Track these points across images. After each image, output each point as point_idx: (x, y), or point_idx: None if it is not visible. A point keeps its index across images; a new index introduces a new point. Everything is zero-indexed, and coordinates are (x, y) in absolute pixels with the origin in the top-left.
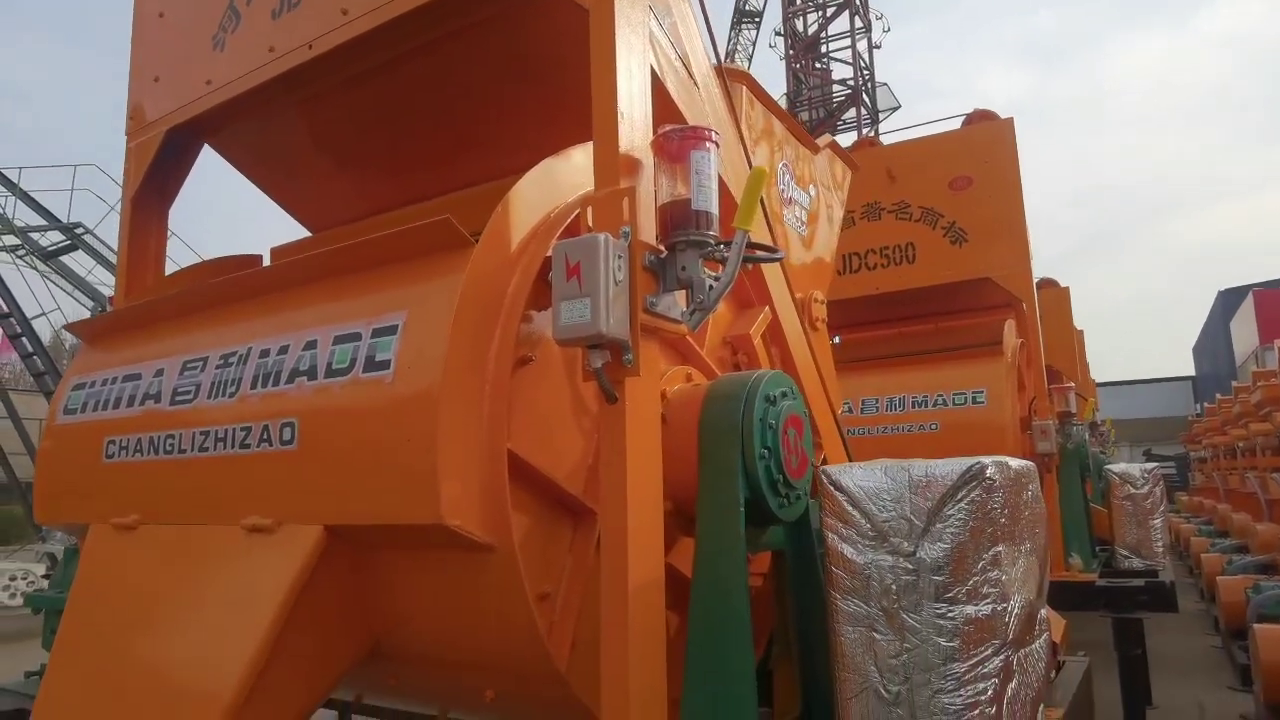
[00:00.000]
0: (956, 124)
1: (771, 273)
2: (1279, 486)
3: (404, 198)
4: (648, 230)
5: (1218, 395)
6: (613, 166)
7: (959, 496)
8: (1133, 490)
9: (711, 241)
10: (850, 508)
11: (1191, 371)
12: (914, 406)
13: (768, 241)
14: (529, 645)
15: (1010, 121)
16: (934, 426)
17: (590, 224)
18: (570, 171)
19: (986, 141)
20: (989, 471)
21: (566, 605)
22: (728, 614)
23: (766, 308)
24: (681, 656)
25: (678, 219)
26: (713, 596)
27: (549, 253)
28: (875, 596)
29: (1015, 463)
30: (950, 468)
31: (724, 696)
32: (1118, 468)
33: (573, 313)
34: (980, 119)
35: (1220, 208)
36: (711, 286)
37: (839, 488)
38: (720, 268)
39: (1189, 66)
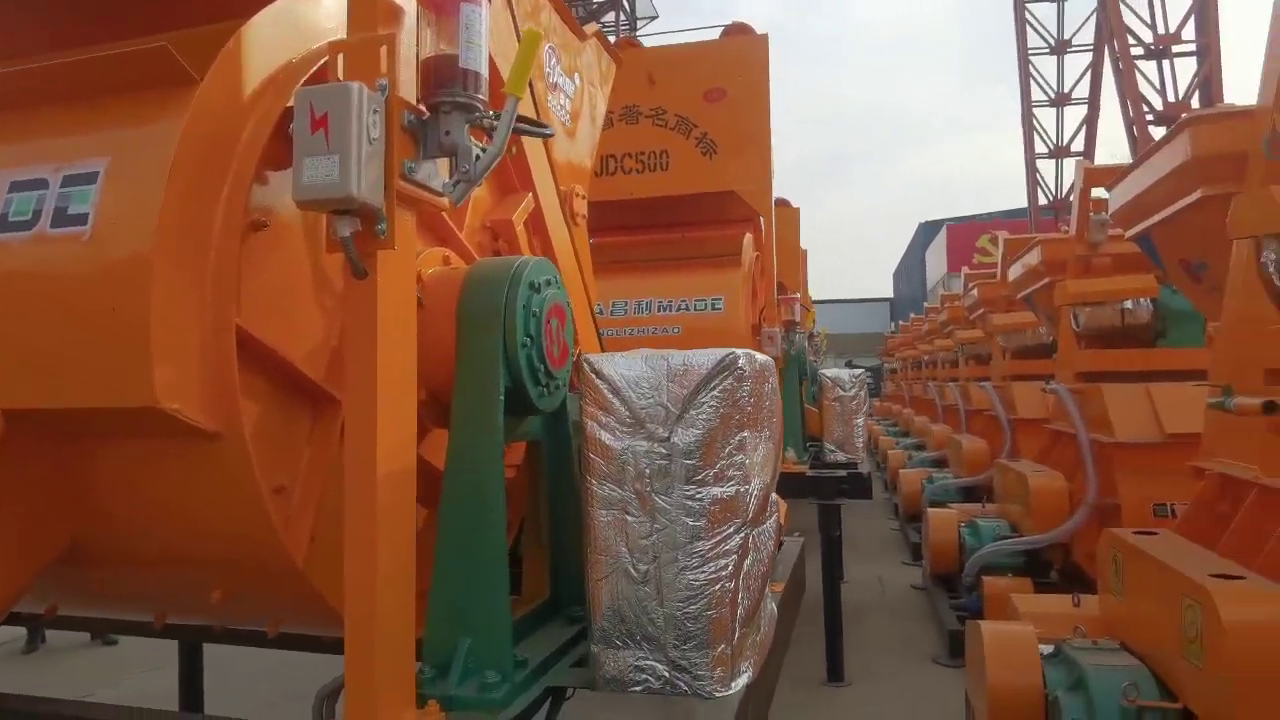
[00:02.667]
0: (715, 35)
1: (536, 158)
2: (953, 394)
3: (102, 35)
4: (408, 87)
5: (911, 315)
6: (370, 10)
7: (712, 385)
8: (841, 393)
9: (480, 106)
10: (611, 396)
11: (891, 294)
12: (660, 310)
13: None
14: (263, 541)
15: (765, 38)
16: (677, 330)
17: (340, 74)
18: (319, 15)
19: (741, 55)
20: (740, 362)
21: (305, 499)
22: (482, 504)
23: (530, 194)
24: (428, 551)
25: (442, 77)
26: (467, 486)
27: (290, 103)
28: (630, 480)
29: (760, 356)
30: (706, 357)
31: (476, 586)
32: (830, 373)
33: (318, 171)
34: (737, 32)
35: (931, 147)
36: (478, 157)
37: (601, 376)
38: (487, 139)
39: (924, 11)
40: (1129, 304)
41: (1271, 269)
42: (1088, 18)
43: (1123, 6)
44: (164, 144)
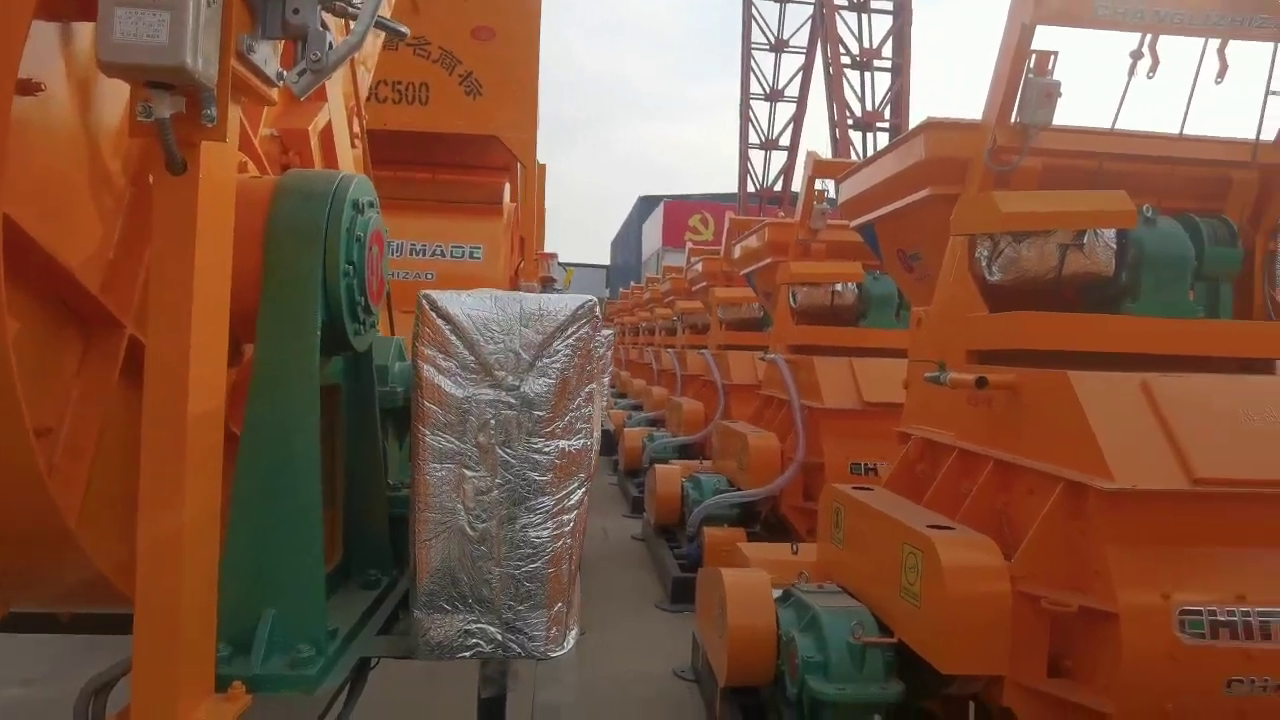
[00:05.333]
0: None
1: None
2: (670, 360)
3: None
4: None
5: (632, 283)
6: None
7: (569, 332)
8: None
9: None
10: (454, 338)
11: (608, 261)
12: (412, 254)
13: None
14: (26, 498)
15: None
16: (431, 276)
17: None
18: None
19: None
20: (598, 310)
21: (75, 445)
22: (292, 454)
23: (326, 105)
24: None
25: None
26: (274, 433)
27: None
28: (471, 432)
29: (601, 306)
30: (563, 303)
31: (284, 549)
32: None
33: (138, 28)
34: None
35: (655, 124)
36: (333, 45)
37: (444, 316)
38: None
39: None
40: (839, 287)
41: (982, 264)
42: (805, 22)
43: (838, 17)
44: None
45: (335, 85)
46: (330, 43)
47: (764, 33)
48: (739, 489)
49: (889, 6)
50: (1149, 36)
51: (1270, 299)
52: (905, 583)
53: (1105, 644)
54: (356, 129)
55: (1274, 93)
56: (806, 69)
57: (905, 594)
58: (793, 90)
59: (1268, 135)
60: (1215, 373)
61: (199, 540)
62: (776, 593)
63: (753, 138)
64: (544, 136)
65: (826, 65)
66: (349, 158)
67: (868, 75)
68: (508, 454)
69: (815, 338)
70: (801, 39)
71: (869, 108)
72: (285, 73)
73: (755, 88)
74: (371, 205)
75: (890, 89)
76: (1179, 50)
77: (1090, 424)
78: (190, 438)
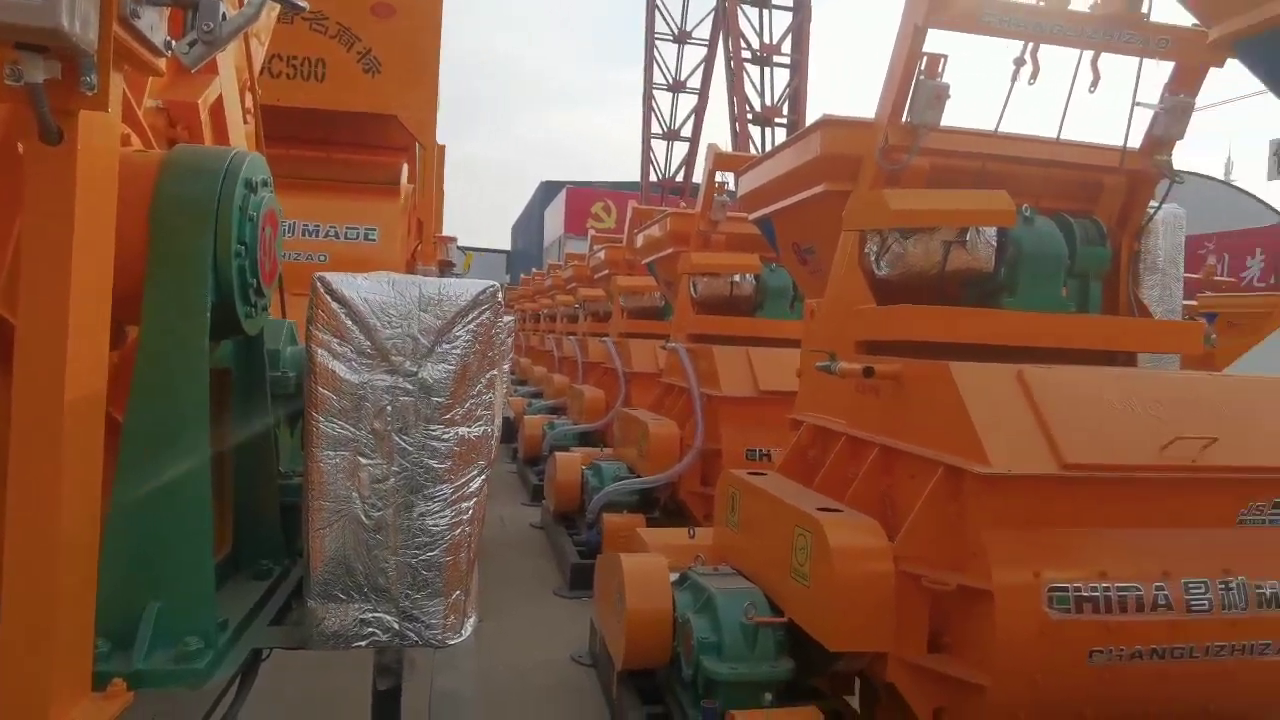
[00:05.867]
0: None
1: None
2: (572, 347)
3: None
4: None
5: (533, 269)
6: None
7: (470, 317)
8: None
9: None
10: (350, 322)
11: (509, 246)
12: (304, 234)
13: None
14: None
15: None
16: (323, 258)
17: None
18: None
19: None
20: (499, 295)
21: None
22: (178, 439)
23: (217, 79)
24: None
25: None
26: (160, 416)
27: None
28: (367, 419)
29: (503, 291)
30: (463, 287)
31: (171, 538)
32: None
33: None
34: None
35: (560, 110)
36: (226, 16)
37: (340, 300)
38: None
39: None
40: (738, 278)
41: (871, 259)
42: (708, 14)
43: (740, 11)
44: None
45: (227, 58)
46: (223, 14)
47: (668, 23)
48: (639, 476)
49: (789, 3)
50: (1030, 45)
51: (1134, 296)
52: (796, 564)
53: (981, 620)
54: (249, 104)
55: (1140, 104)
56: (709, 62)
57: (796, 575)
58: (695, 82)
59: (1134, 143)
60: (1084, 364)
61: (75, 532)
62: (673, 576)
63: (656, 128)
64: (448, 116)
65: (728, 59)
66: (241, 134)
67: (768, 71)
68: (405, 441)
69: (714, 327)
70: (704, 31)
71: (768, 103)
72: (174, 42)
73: (659, 78)
74: (265, 184)
75: (789, 85)
76: (1058, 60)
77: (969, 412)
78: (67, 423)
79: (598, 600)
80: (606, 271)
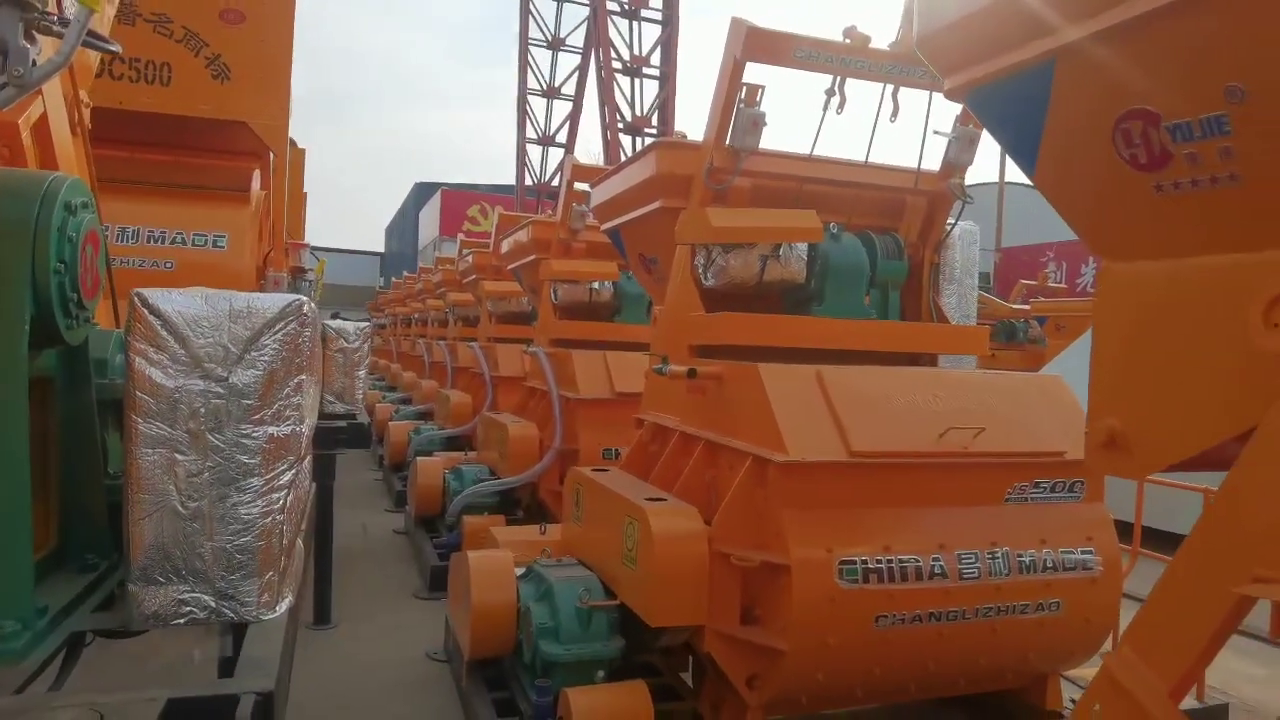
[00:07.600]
0: None
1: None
2: (441, 352)
3: None
4: None
5: (405, 273)
6: None
7: (277, 328)
8: (345, 344)
9: (37, 6)
10: (165, 333)
11: (382, 248)
12: (150, 241)
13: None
14: None
15: None
16: (170, 265)
17: None
18: None
19: None
20: (305, 308)
21: None
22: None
23: (40, 98)
24: None
25: None
26: None
27: None
28: (182, 420)
29: (310, 304)
30: (272, 301)
31: None
32: (334, 324)
33: None
34: None
35: (435, 110)
36: (36, 63)
37: (155, 312)
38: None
39: None
40: (597, 285)
41: (700, 271)
42: (581, 22)
43: (611, 22)
44: None
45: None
46: (34, 60)
47: (541, 30)
48: (499, 477)
49: (659, 16)
50: (839, 79)
51: (933, 303)
52: (626, 549)
53: (781, 592)
54: (82, 116)
55: (938, 132)
56: (582, 70)
57: (626, 559)
58: (569, 89)
59: (931, 166)
60: (891, 366)
61: None
62: (520, 570)
63: (531, 133)
64: (314, 110)
65: (599, 68)
66: (69, 149)
67: (638, 81)
68: (217, 439)
69: (575, 332)
70: (578, 39)
71: (639, 113)
72: None
73: (533, 83)
74: (86, 206)
75: (658, 96)
76: (864, 93)
77: (772, 407)
78: None
79: (451, 598)
80: (475, 276)
